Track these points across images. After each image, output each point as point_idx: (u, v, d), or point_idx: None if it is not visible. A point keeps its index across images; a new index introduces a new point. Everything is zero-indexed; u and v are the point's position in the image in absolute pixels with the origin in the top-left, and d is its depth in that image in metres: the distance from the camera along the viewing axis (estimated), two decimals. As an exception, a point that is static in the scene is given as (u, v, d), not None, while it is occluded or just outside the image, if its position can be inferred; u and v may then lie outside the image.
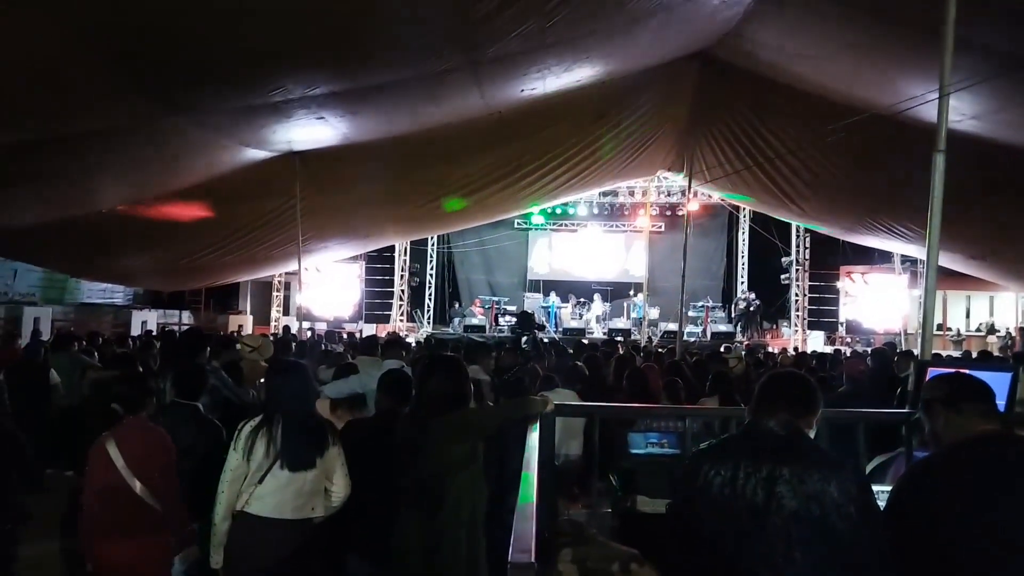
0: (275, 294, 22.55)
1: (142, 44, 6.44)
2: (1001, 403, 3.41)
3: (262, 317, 22.94)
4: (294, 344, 10.57)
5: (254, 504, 3.40)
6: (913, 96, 8.28)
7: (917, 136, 8.06)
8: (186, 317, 22.02)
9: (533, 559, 1.37)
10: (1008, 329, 24.22)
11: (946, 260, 15.69)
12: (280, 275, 21.90)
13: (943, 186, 4.79)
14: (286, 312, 22.29)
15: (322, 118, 9.43)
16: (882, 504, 2.89)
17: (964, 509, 2.07)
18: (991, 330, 24.51)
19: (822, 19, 8.89)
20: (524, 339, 6.82)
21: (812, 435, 2.35)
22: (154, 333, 15.20)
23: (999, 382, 3.48)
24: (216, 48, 6.83)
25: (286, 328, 16.12)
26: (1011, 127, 9.61)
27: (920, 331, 4.67)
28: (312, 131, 10.02)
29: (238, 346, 5.80)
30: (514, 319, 16.24)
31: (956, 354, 16.94)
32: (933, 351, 14.78)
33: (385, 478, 3.39)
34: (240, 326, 21.16)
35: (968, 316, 27.16)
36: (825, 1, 8.31)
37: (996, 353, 20.76)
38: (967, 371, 3.67)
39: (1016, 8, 6.82)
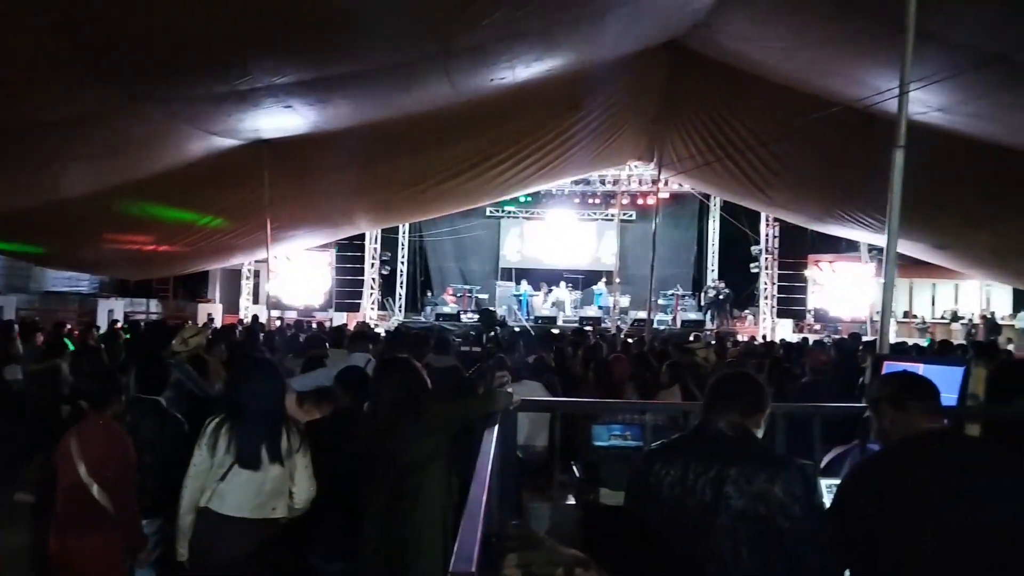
0: (244, 282, 22.33)
1: (106, 31, 6.33)
2: (954, 397, 3.51)
3: (231, 305, 22.72)
4: (262, 334, 10.48)
5: (215, 501, 3.41)
6: (878, 91, 8.37)
7: (884, 128, 8.16)
8: (154, 306, 21.76)
9: (474, 568, 1.38)
10: (971, 317, 24.71)
11: (912, 249, 15.97)
12: (250, 263, 21.68)
13: (902, 181, 4.87)
14: (256, 300, 22.09)
15: (290, 107, 9.33)
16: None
17: (906, 507, 2.11)
18: (955, 317, 24.99)
19: (790, 10, 8.95)
20: (486, 337, 6.85)
21: (760, 434, 2.41)
22: (120, 323, 14.98)
23: (952, 376, 3.57)
24: (181, 36, 6.73)
25: (255, 317, 15.99)
26: (975, 119, 9.77)
27: (880, 324, 4.75)
28: (280, 120, 9.91)
29: (176, 342, 5.71)
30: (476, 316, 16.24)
31: (922, 342, 17.23)
32: (899, 339, 15.03)
33: (348, 477, 3.39)
34: (209, 315, 20.95)
35: (933, 303, 27.66)
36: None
37: (960, 340, 21.18)
38: (922, 365, 3.76)
39: (977, 1, 6.93)
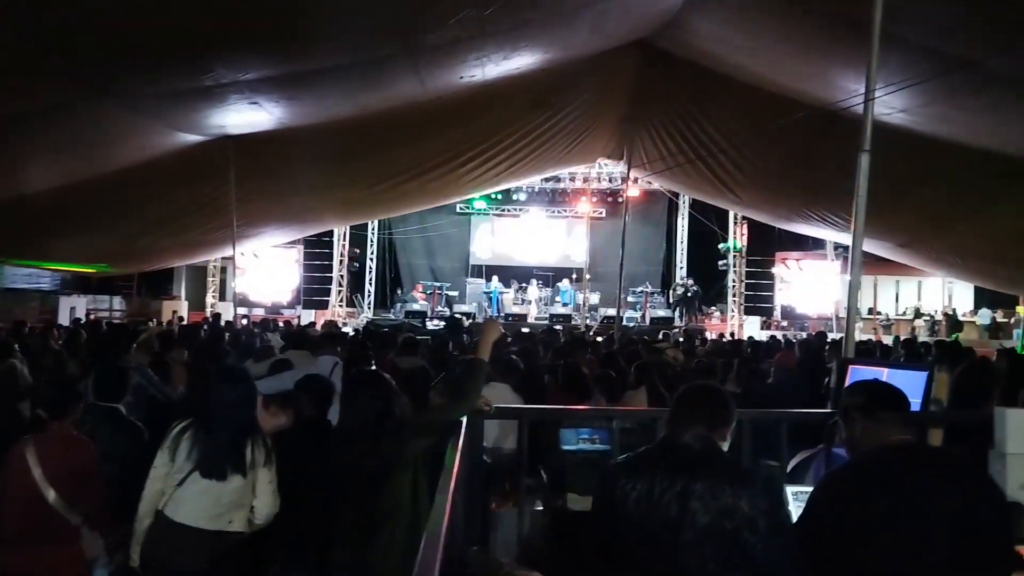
0: (210, 279, 22.02)
1: (68, 25, 6.19)
2: (917, 402, 3.54)
3: (197, 302, 22.40)
4: (227, 334, 10.32)
5: (170, 507, 3.35)
6: (845, 92, 8.45)
7: (849, 128, 8.26)
8: (117, 303, 21.38)
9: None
10: (933, 313, 25.18)
11: (876, 248, 16.20)
12: (216, 259, 21.38)
13: (868, 183, 4.92)
14: (222, 297, 21.80)
15: (256, 103, 9.21)
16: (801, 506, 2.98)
17: (875, 520, 2.11)
18: (917, 314, 25.44)
19: (758, 12, 9.01)
20: (452, 344, 6.81)
21: (727, 446, 2.39)
22: (82, 321, 14.69)
23: (915, 381, 3.59)
24: (145, 31, 6.61)
25: (216, 316, 15.74)
26: (939, 120, 9.91)
27: (845, 327, 4.79)
28: (246, 116, 9.78)
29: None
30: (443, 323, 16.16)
31: (887, 339, 17.51)
32: (864, 336, 15.22)
33: (315, 489, 3.33)
34: (174, 312, 20.64)
35: (897, 300, 28.14)
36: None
37: (924, 336, 21.57)
38: (886, 370, 3.80)
39: (941, 6, 7.02)
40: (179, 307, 21.93)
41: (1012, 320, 23.47)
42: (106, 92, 7.88)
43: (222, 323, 13.28)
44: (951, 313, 24.56)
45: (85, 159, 10.10)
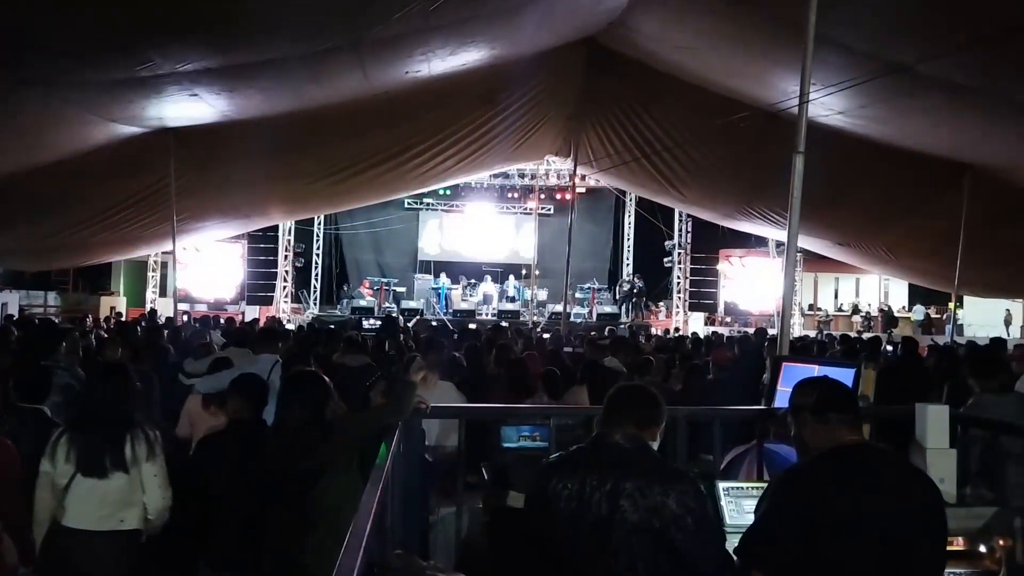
0: (151, 274, 21.45)
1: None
2: (845, 397, 3.64)
3: (136, 298, 21.82)
4: (167, 331, 10.08)
5: (61, 512, 3.29)
6: (783, 93, 8.64)
7: (787, 127, 8.43)
8: (52, 299, 20.70)
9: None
10: (869, 310, 25.95)
11: (816, 245, 16.64)
12: (156, 254, 20.85)
13: (804, 183, 5.03)
14: (163, 293, 21.25)
15: (196, 95, 9.01)
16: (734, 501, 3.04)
17: (831, 522, 2.15)
18: (855, 310, 26.20)
19: (701, 11, 9.15)
20: (388, 344, 6.78)
21: (657, 445, 2.42)
22: (15, 318, 14.19)
23: (843, 378, 3.69)
24: (74, 16, 6.40)
25: (152, 312, 15.35)
26: (874, 122, 10.20)
27: (780, 325, 4.90)
28: (186, 108, 9.56)
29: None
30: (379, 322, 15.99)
31: (826, 333, 17.96)
32: (804, 331, 15.60)
33: (247, 489, 3.28)
34: (112, 308, 20.10)
35: (836, 296, 28.94)
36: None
37: (858, 330, 22.22)
38: (817, 367, 3.89)
39: (873, 10, 7.21)
40: (117, 303, 21.36)
41: (944, 316, 24.32)
42: (32, 80, 7.61)
43: (160, 319, 12.94)
44: (886, 309, 25.35)
45: (11, 151, 9.74)
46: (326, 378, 3.36)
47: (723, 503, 3.00)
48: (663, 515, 2.16)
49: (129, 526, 3.35)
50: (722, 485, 3.06)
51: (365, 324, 16.76)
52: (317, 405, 3.21)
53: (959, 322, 17.52)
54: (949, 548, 2.71)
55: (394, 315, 16.70)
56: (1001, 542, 2.75)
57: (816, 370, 3.90)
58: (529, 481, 2.51)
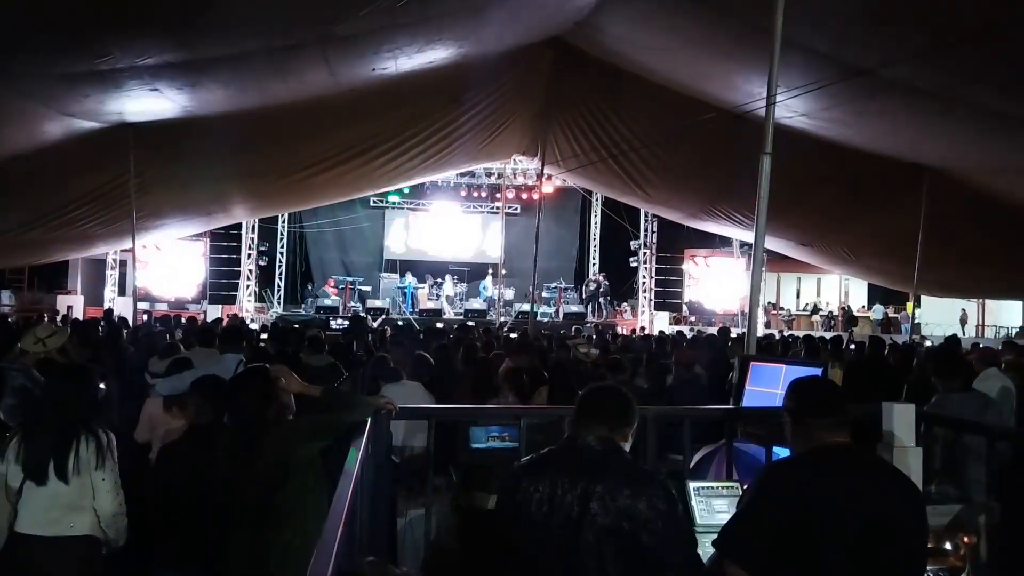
0: (109, 272, 21.00)
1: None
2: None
3: (94, 297, 21.35)
4: (126, 331, 9.87)
5: (15, 519, 3.22)
6: (748, 95, 8.71)
7: (752, 128, 8.53)
8: (6, 297, 20.17)
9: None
10: (831, 310, 26.40)
11: (779, 246, 16.85)
12: (115, 252, 20.41)
13: (770, 183, 5.07)
14: (122, 292, 20.82)
15: (156, 90, 8.83)
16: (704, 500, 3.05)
17: (816, 519, 2.15)
18: (815, 310, 26.64)
19: (667, 13, 9.19)
20: (356, 344, 6.72)
21: (629, 446, 2.41)
22: (-34, 316, 13.79)
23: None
24: (30, 9, 6.23)
25: (108, 312, 15.02)
26: (837, 124, 10.35)
27: (747, 323, 4.93)
28: (146, 103, 9.37)
29: (26, 340, 5.27)
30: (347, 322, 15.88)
31: (786, 333, 18.21)
32: (767, 331, 15.77)
33: (204, 493, 3.21)
34: (69, 307, 19.66)
35: (798, 296, 29.42)
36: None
37: (819, 329, 22.60)
38: (784, 367, 3.92)
39: (838, 14, 7.31)
40: (74, 302, 20.88)
41: (901, 315, 24.83)
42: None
43: (115, 318, 12.67)
44: (846, 309, 25.82)
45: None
46: (270, 376, 3.27)
47: (693, 503, 3.01)
48: (633, 518, 2.15)
49: (79, 531, 3.27)
50: (692, 485, 3.07)
51: (333, 324, 16.63)
52: (272, 400, 3.15)
53: (916, 321, 17.89)
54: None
55: (362, 315, 16.55)
56: (966, 539, 2.79)
57: (783, 369, 3.94)
58: (500, 483, 2.48)
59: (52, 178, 11.36)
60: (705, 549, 2.41)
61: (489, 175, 23.62)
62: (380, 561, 1.71)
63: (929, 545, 2.82)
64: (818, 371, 3.65)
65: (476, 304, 21.78)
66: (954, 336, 12.76)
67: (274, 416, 3.15)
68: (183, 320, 13.08)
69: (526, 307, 18.54)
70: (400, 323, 16.96)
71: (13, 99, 8.30)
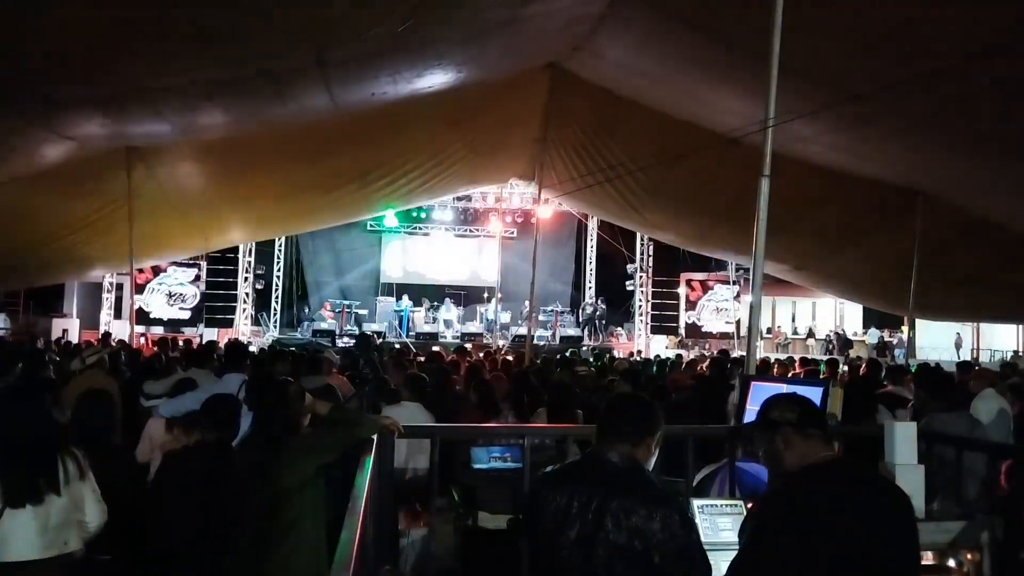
0: (105, 296, 20.97)
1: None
2: (813, 416, 3.69)
3: (91, 321, 21.30)
4: (123, 353, 9.85)
5: None
6: (745, 119, 8.79)
7: (747, 152, 8.61)
8: (1, 320, 20.11)
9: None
10: (828, 334, 26.46)
11: (774, 269, 16.90)
12: (111, 275, 20.40)
13: (768, 206, 5.12)
14: (118, 315, 20.79)
15: (157, 112, 8.89)
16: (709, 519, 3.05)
17: (820, 538, 2.14)
18: (810, 334, 26.72)
19: (664, 39, 9.31)
20: (362, 362, 6.71)
21: (653, 461, 2.40)
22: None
23: (811, 396, 3.75)
24: (33, 32, 6.28)
25: (105, 335, 15.00)
26: (833, 149, 10.45)
27: (747, 344, 4.96)
28: (146, 125, 9.43)
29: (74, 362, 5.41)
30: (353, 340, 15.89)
31: (782, 357, 18.24)
32: (763, 354, 15.75)
33: (211, 509, 3.21)
34: (65, 331, 19.59)
35: (794, 320, 29.48)
36: (667, 21, 8.71)
37: (816, 354, 22.62)
38: (785, 386, 3.95)
39: (837, 40, 7.42)
40: (70, 325, 20.82)
41: (896, 340, 24.91)
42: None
43: (113, 342, 12.65)
44: (840, 333, 25.91)
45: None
46: (300, 388, 3.31)
47: (698, 521, 3.01)
48: (647, 538, 2.15)
49: (73, 547, 3.27)
50: (696, 503, 3.08)
51: (339, 343, 16.62)
52: (285, 415, 3.16)
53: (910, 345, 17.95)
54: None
55: (368, 332, 16.55)
56: (969, 556, 2.80)
57: (785, 389, 3.95)
58: (528, 491, 2.49)
59: (51, 201, 11.39)
60: (719, 572, 2.38)
61: (485, 199, 23.73)
62: (396, 569, 1.71)
63: (932, 562, 2.85)
64: (819, 391, 3.67)
65: (473, 327, 21.78)
66: (965, 362, 12.74)
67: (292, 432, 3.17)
68: (180, 343, 13.06)
69: (522, 330, 18.53)
70: (397, 346, 16.94)
71: (14, 122, 8.34)
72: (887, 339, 25.43)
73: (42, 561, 3.15)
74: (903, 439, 3.07)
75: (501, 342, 19.82)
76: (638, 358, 16.21)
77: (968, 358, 23.06)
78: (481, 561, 3.74)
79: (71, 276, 18.59)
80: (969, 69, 6.66)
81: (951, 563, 2.80)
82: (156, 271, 19.91)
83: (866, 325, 27.16)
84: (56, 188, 10.82)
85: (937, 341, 24.25)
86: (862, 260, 14.57)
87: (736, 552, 2.27)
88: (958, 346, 25.09)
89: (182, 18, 6.52)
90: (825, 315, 29.13)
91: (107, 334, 15.59)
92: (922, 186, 11.34)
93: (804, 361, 10.56)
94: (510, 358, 11.59)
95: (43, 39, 6.40)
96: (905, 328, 18.25)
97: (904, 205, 11.67)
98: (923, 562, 2.79)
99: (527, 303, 20.82)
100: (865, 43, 7.15)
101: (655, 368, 10.52)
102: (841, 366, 11.83)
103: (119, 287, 21.08)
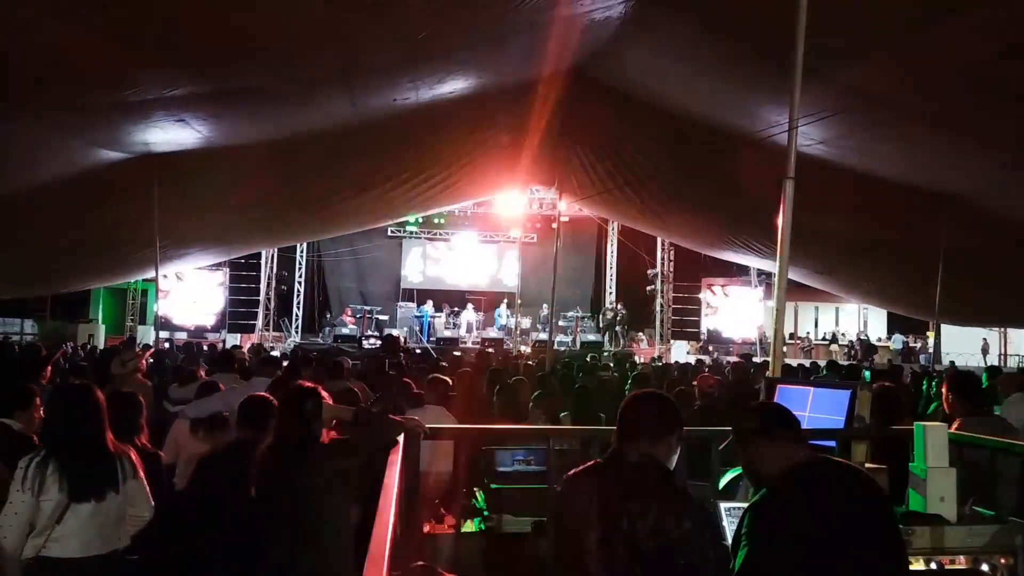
0: (130, 302, 21.22)
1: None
2: (842, 418, 3.66)
3: (116, 326, 21.55)
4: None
5: (53, 547, 3.14)
6: (767, 122, 8.76)
7: (769, 156, 8.56)
8: (29, 326, 20.40)
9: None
10: (851, 340, 26.20)
11: (796, 274, 16.75)
12: (136, 281, 20.64)
13: (792, 209, 5.09)
14: (143, 321, 21.02)
15: (182, 120, 8.99)
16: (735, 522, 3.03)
17: (811, 543, 2.15)
18: (834, 339, 26.46)
19: (685, 43, 9.29)
20: (388, 363, 6.73)
21: (675, 460, 2.39)
22: (-10, 344, 13.95)
23: (839, 399, 3.72)
24: (64, 43, 6.39)
25: (131, 340, 15.16)
26: (856, 152, 10.36)
27: (772, 348, 4.92)
28: (171, 133, 9.52)
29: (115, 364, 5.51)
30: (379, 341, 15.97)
31: (806, 362, 18.08)
32: (786, 360, 15.65)
33: (239, 507, 3.23)
34: (90, 336, 19.83)
35: (816, 325, 29.23)
36: (688, 25, 8.69)
37: (840, 360, 22.39)
38: (812, 389, 3.92)
39: (858, 43, 7.37)
40: (95, 331, 21.08)
41: (920, 345, 24.62)
42: (22, 106, 7.57)
43: (138, 347, 12.78)
44: (864, 339, 25.65)
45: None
46: (323, 392, 3.34)
47: (724, 523, 3.00)
48: (667, 538, 2.15)
49: (124, 543, 3.33)
50: (724, 505, 3.06)
51: (365, 344, 16.71)
52: (312, 418, 3.19)
53: (936, 351, 17.73)
54: (952, 567, 2.73)
55: (394, 334, 16.63)
56: (1003, 560, 2.76)
57: (811, 392, 3.93)
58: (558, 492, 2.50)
59: (78, 208, 11.53)
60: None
61: (505, 205, 23.74)
62: (429, 565, 1.72)
63: (965, 566, 2.81)
64: (847, 393, 3.64)
65: (493, 333, 21.80)
66: (994, 367, 12.56)
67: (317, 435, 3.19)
68: (204, 348, 13.18)
69: (544, 336, 18.53)
70: (418, 351, 16.99)
71: (44, 130, 8.47)
72: (912, 344, 25.14)
73: (101, 557, 3.20)
74: (935, 442, 3.03)
75: (524, 348, 19.81)
76: (659, 363, 16.12)
77: (994, 363, 22.75)
78: (505, 564, 3.73)
79: (97, 282, 18.82)
80: (997, 68, 6.58)
81: (984, 568, 2.76)
82: (180, 277, 20.12)
83: (890, 330, 26.86)
84: (83, 196, 10.95)
85: (964, 346, 23.92)
86: (887, 264, 14.43)
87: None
88: (985, 352, 24.75)
89: (210, 30, 6.61)
90: (849, 321, 28.85)
91: (132, 339, 15.77)
92: (950, 189, 11.21)
93: (830, 366, 10.45)
94: (532, 363, 11.58)
95: (71, 50, 6.50)
96: (930, 333, 18.03)
97: (930, 208, 11.54)
98: (955, 566, 2.77)
99: (544, 306, 20.92)
100: (890, 43, 7.08)
101: (675, 372, 10.46)
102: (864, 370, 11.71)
103: (144, 293, 21.34)
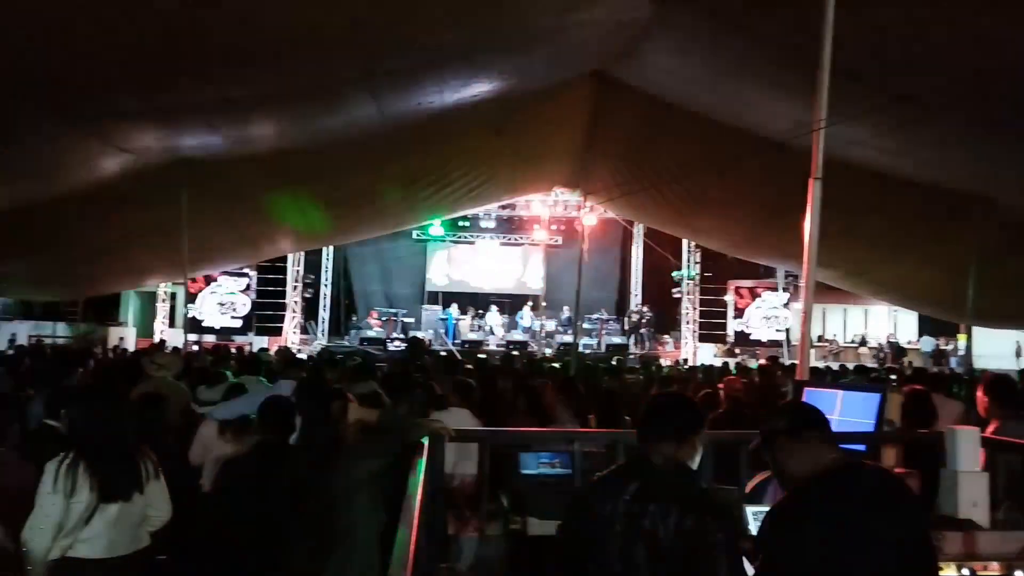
0: (160, 304, 21.50)
1: (19, 45, 6.04)
2: (871, 422, 3.62)
3: (145, 329, 21.84)
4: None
5: (80, 547, 3.19)
6: (794, 122, 8.66)
7: (800, 160, 8.46)
8: (61, 329, 20.74)
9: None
10: (881, 343, 25.85)
11: (825, 276, 16.56)
12: (166, 284, 20.91)
13: (820, 210, 5.04)
14: (172, 324, 21.29)
15: (211, 124, 9.10)
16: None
17: (833, 550, 2.11)
18: (863, 342, 26.12)
19: (710, 44, 9.23)
20: (413, 365, 6.75)
21: (698, 460, 2.37)
22: (25, 347, 14.22)
23: (869, 402, 3.68)
24: (97, 51, 6.49)
25: (160, 343, 15.37)
26: (885, 153, 10.22)
27: (799, 351, 4.88)
28: (200, 137, 9.64)
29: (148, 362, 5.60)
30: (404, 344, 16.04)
31: (834, 365, 17.87)
32: (813, 363, 15.49)
33: (265, 508, 3.26)
34: (121, 338, 20.11)
35: (845, 328, 28.86)
36: (715, 25, 8.63)
37: (869, 363, 22.10)
38: (841, 392, 3.87)
39: (888, 42, 7.27)
40: (126, 333, 21.38)
41: (951, 347, 24.22)
42: (57, 113, 7.70)
43: (167, 349, 12.95)
44: (894, 341, 25.29)
45: (26, 181, 9.81)
46: (348, 395, 3.36)
47: (752, 527, 2.97)
48: (690, 540, 2.13)
49: (145, 542, 3.40)
50: (750, 509, 3.03)
51: (390, 347, 16.78)
52: (337, 422, 3.21)
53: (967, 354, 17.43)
54: (985, 574, 2.68)
55: (420, 336, 16.70)
56: (1038, 567, 2.71)
57: (840, 395, 3.88)
58: (572, 499, 2.49)
59: (108, 212, 11.70)
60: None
61: (529, 207, 23.75)
62: (453, 567, 1.72)
63: (998, 572, 2.75)
64: (877, 397, 3.59)
65: (517, 335, 21.80)
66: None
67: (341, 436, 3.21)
68: (232, 351, 13.31)
69: (568, 338, 18.49)
70: (443, 354, 17.04)
71: (76, 137, 8.61)
72: (943, 347, 24.74)
73: (126, 557, 3.26)
74: (966, 446, 2.98)
75: (548, 351, 19.79)
76: (685, 366, 16.02)
77: (1028, 367, 22.32)
78: (531, 567, 3.72)
79: (127, 285, 19.10)
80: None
81: (1017, 574, 2.71)
82: (208, 280, 20.36)
83: (921, 333, 26.46)
84: (113, 200, 11.11)
85: (996, 349, 23.48)
86: (918, 266, 14.21)
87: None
88: (1018, 354, 24.30)
89: (238, 37, 6.68)
90: (878, 323, 28.45)
91: (162, 342, 15.98)
92: (983, 189, 11.02)
93: (858, 369, 10.31)
94: (556, 365, 11.56)
95: (101, 56, 6.60)
96: (962, 336, 17.72)
97: (962, 208, 11.35)
98: (988, 572, 2.72)
99: (565, 308, 20.87)
100: (921, 41, 6.98)
101: (701, 376, 10.38)
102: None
103: (173, 296, 21.61)
